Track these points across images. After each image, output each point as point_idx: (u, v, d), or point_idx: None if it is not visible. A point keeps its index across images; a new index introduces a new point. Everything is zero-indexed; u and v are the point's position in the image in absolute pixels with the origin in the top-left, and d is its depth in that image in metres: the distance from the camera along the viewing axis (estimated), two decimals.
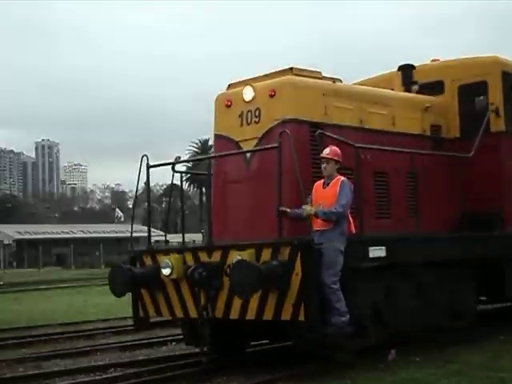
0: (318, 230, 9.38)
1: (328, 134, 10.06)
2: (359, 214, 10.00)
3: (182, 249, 10.58)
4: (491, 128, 12.59)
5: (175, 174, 11.16)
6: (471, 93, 12.96)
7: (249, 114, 10.78)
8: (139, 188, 11.36)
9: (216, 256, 10.02)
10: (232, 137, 10.94)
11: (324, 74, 11.19)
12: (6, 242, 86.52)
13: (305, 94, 10.56)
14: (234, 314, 9.80)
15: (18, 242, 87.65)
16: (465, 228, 12.18)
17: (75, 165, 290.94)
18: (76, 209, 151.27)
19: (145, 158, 10.91)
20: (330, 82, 11.06)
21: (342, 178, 9.53)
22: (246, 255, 9.48)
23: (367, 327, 10.10)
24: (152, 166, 11.02)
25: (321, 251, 9.23)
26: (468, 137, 12.47)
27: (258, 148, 10.35)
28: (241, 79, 11.20)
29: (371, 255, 9.94)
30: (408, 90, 12.87)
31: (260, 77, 10.93)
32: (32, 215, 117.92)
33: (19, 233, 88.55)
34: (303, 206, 9.27)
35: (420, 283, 11.05)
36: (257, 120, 10.70)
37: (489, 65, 12.83)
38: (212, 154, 10.64)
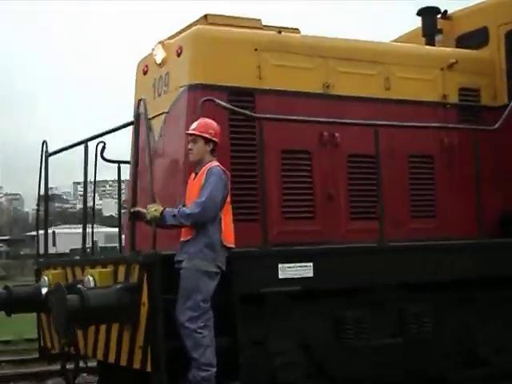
0: (182, 241, 6.48)
1: (219, 101, 6.99)
2: (263, 215, 6.90)
3: (65, 263, 8.08)
4: None
5: None
6: None
7: (160, 81, 8.07)
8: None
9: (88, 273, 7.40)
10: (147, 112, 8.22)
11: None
12: None
13: (222, 50, 7.60)
14: (100, 355, 7.14)
15: None
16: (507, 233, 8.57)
17: None
18: None
19: (44, 144, 8.52)
20: (273, 33, 7.96)
21: (213, 164, 6.49)
22: (98, 274, 6.84)
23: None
24: (51, 154, 8.59)
25: (180, 273, 6.35)
26: None
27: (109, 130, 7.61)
28: None
29: (283, 275, 6.81)
30: (431, 43, 9.34)
31: (179, 31, 8.14)
32: None
33: None
34: (148, 206, 6.42)
35: (403, 315, 7.69)
36: (166, 89, 7.95)
37: None
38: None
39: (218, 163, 6.46)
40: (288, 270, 6.80)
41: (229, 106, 7.02)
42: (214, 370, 6.20)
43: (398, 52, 8.71)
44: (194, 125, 6.54)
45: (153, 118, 8.04)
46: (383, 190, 8.02)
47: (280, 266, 6.76)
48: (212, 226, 6.28)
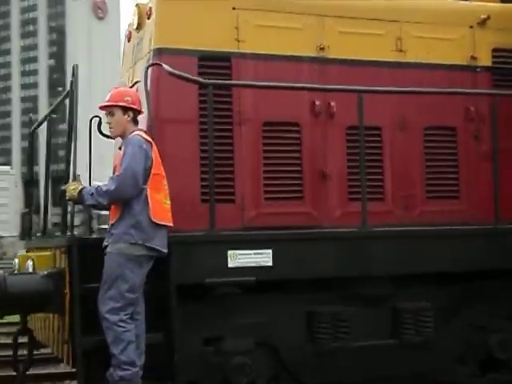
0: (110, 224, 5.75)
1: (166, 66, 6.14)
2: (210, 195, 6.02)
3: (32, 245, 7.53)
4: None
5: None
6: None
7: (137, 46, 7.37)
8: None
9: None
10: (127, 82, 7.58)
11: None
12: None
13: (194, 10, 6.74)
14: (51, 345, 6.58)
15: None
16: None
17: None
18: None
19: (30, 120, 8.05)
20: None
21: (133, 133, 5.70)
22: (36, 258, 6.33)
23: None
24: (35, 129, 8.04)
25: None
26: None
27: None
28: None
29: (233, 264, 5.93)
30: None
31: None
32: None
33: None
34: (67, 184, 5.73)
35: (397, 312, 6.63)
36: (140, 55, 7.23)
37: None
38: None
39: (139, 132, 5.68)
40: (240, 258, 5.92)
41: (174, 71, 6.14)
42: (136, 369, 5.47)
43: (413, 8, 7.47)
44: (108, 96, 5.82)
45: (131, 87, 7.38)
46: (390, 167, 7.07)
47: (230, 252, 5.90)
48: (137, 203, 5.52)
